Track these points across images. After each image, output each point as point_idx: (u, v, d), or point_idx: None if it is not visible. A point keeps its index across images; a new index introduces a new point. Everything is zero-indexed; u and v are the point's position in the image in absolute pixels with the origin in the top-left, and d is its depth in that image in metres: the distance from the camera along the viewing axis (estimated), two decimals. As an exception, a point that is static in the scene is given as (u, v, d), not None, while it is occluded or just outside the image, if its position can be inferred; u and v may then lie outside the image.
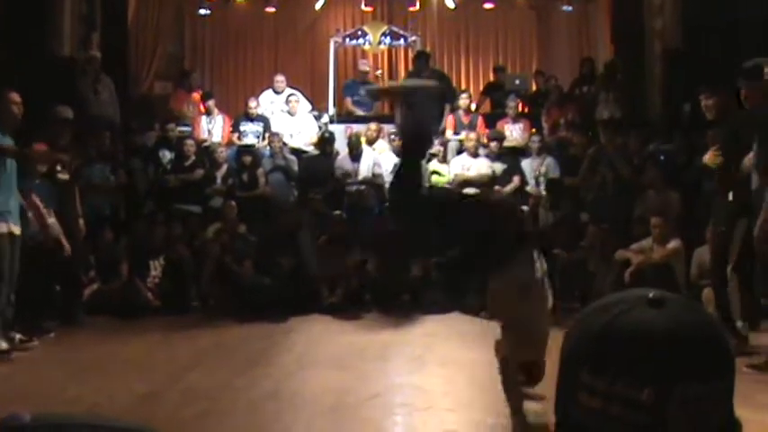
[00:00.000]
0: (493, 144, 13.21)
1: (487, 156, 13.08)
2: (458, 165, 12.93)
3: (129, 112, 13.85)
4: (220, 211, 11.99)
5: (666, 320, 1.12)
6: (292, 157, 13.49)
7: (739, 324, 7.75)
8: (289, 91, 14.77)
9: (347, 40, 17.00)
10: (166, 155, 13.25)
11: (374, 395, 6.56)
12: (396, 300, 11.06)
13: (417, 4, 18.19)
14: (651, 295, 1.15)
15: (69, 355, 8.50)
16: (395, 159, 13.02)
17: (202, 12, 18.42)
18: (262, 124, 14.11)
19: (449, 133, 13.88)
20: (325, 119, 14.87)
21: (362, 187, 12.92)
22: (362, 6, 18.15)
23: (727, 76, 7.98)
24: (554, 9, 18.59)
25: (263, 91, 15.22)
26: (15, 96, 8.43)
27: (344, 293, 11.08)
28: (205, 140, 13.90)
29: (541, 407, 4.58)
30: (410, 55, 16.66)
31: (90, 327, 10.04)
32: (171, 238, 11.57)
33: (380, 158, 13.15)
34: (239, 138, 14.02)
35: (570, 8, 18.11)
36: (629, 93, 13.70)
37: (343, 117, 15.16)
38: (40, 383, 7.27)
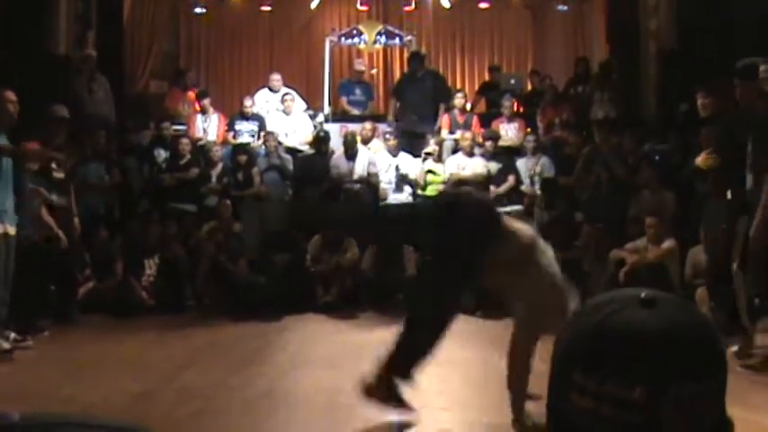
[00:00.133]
0: (488, 143, 13.22)
1: (483, 155, 13.09)
2: (453, 164, 12.94)
3: (124, 111, 13.83)
4: (215, 209, 11.99)
5: (658, 320, 1.12)
6: (287, 156, 13.49)
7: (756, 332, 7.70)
8: (284, 90, 14.78)
9: (342, 39, 17.01)
10: (161, 153, 13.25)
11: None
12: (390, 299, 11.06)
13: (413, 3, 18.21)
14: (643, 295, 1.15)
15: (64, 354, 8.49)
16: (390, 158, 13.04)
17: (198, 10, 18.43)
18: (257, 123, 14.10)
19: (444, 132, 13.89)
20: (321, 118, 14.88)
21: (358, 186, 12.93)
22: (358, 5, 18.17)
23: (723, 76, 7.99)
24: (549, 9, 18.61)
25: (258, 90, 15.22)
26: (11, 95, 8.41)
27: (339, 292, 11.09)
28: (200, 139, 13.89)
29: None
30: (405, 54, 16.66)
31: (85, 325, 10.04)
32: (166, 237, 11.57)
33: (376, 158, 13.16)
34: (234, 137, 14.01)
35: (565, 8, 18.13)
36: (624, 92, 13.70)
37: (339, 116, 15.17)
38: (35, 382, 7.26)
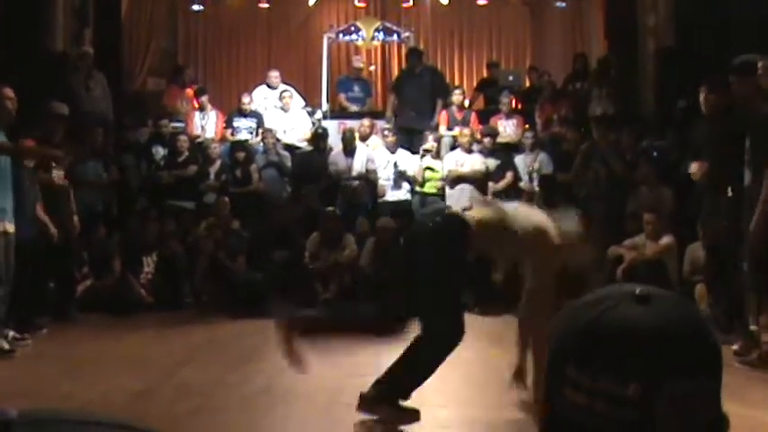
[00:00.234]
0: (486, 140, 13.22)
1: (481, 152, 13.09)
2: (451, 161, 12.93)
3: (122, 109, 13.81)
4: (213, 206, 11.99)
5: (653, 317, 1.11)
6: (286, 153, 13.49)
7: (753, 328, 7.67)
8: (282, 87, 14.77)
9: (340, 35, 17.01)
10: (159, 151, 13.25)
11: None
12: (389, 296, 11.06)
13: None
14: (638, 291, 1.14)
15: (62, 352, 8.48)
16: (388, 155, 13.04)
17: (195, 7, 18.42)
18: (255, 120, 14.10)
19: (442, 129, 13.89)
20: (319, 115, 14.89)
21: (356, 183, 12.93)
22: (356, 2, 18.17)
23: (721, 73, 8.00)
24: (547, 5, 18.60)
25: (256, 86, 15.21)
26: (9, 92, 8.40)
27: (338, 289, 11.09)
28: (198, 136, 13.88)
29: None
30: (403, 51, 16.65)
31: (83, 323, 10.04)
32: (164, 235, 11.58)
33: (374, 154, 13.16)
34: (232, 133, 14.01)
35: (563, 4, 18.13)
36: (622, 89, 13.71)
37: (337, 113, 15.17)
38: (33, 380, 7.26)
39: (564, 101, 14.24)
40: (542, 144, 13.41)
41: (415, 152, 13.28)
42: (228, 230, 11.54)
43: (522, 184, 12.87)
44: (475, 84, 17.16)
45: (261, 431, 5.81)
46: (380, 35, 16.83)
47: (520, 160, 13.11)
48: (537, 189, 12.62)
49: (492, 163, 12.91)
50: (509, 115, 14.24)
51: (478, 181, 12.56)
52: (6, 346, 8.21)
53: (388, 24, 17.07)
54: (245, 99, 14.35)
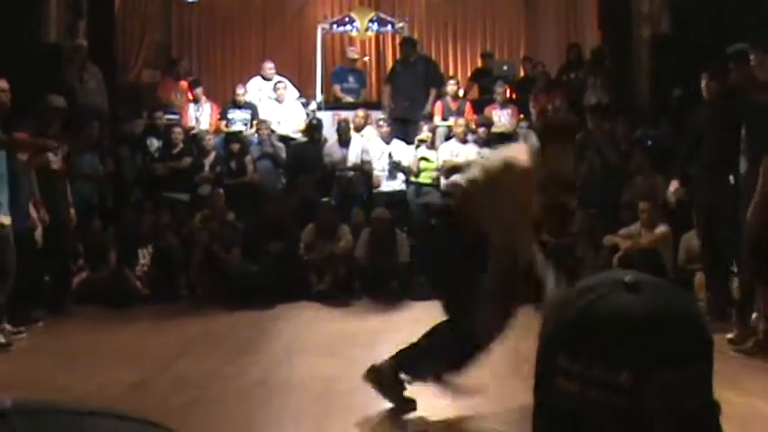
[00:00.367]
0: (481, 130, 13.21)
1: (476, 142, 13.08)
2: (446, 151, 12.94)
3: (116, 101, 13.81)
4: (208, 198, 11.98)
5: (643, 305, 1.11)
6: (280, 145, 13.48)
7: (754, 315, 7.67)
8: (277, 78, 14.76)
9: (334, 26, 16.98)
10: (154, 143, 13.23)
11: (363, 382, 6.56)
12: (384, 286, 11.07)
13: (405, -11, 18.20)
14: (628, 279, 1.14)
15: (58, 345, 8.49)
16: (383, 146, 13.04)
17: (189, -1, 18.39)
18: (249, 111, 14.09)
19: (437, 119, 13.89)
20: (313, 106, 14.88)
21: (351, 174, 12.93)
22: (350, -7, 18.15)
23: (722, 60, 8.01)
24: (541, -5, 18.61)
25: (251, 78, 15.19)
26: (3, 84, 8.38)
27: (333, 280, 11.09)
28: (193, 128, 13.87)
29: None
30: (398, 41, 16.63)
31: (78, 316, 10.04)
32: (159, 227, 11.57)
33: (369, 145, 13.16)
34: (227, 125, 14.00)
35: (557, -6, 18.12)
36: (617, 78, 13.71)
37: (331, 104, 15.16)
38: (29, 373, 7.27)
39: (558, 91, 14.23)
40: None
41: (409, 142, 13.28)
42: (223, 222, 11.54)
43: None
44: (469, 74, 17.16)
45: (257, 423, 5.82)
46: (375, 26, 16.80)
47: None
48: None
49: (487, 153, 12.91)
50: (503, 105, 14.24)
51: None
52: (2, 339, 8.21)
53: (383, 15, 17.05)
54: (240, 90, 14.34)
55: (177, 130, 13.12)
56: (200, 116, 14.18)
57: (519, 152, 5.76)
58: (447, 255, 5.65)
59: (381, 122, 13.43)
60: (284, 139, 13.76)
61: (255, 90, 14.73)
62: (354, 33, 16.99)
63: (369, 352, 7.92)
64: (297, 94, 14.91)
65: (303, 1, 18.43)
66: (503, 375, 6.28)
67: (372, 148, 13.11)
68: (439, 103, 14.10)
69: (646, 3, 13.66)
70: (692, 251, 9.52)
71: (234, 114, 14.11)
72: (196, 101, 14.34)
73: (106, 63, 13.64)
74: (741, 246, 7.41)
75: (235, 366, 7.34)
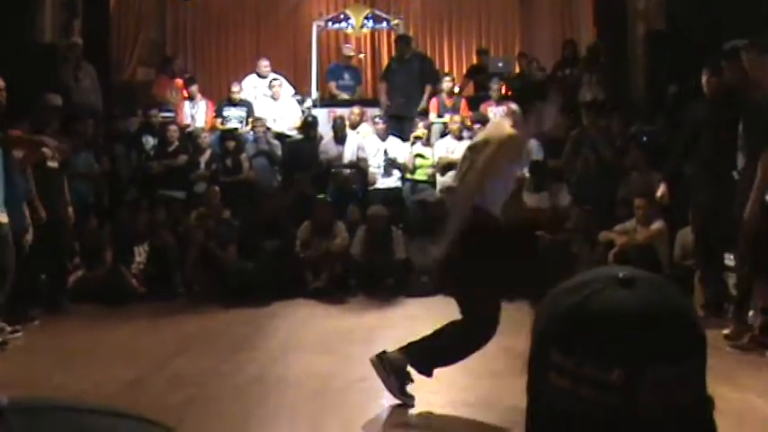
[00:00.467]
0: (476, 127, 13.21)
1: (471, 138, 13.08)
2: (442, 148, 12.94)
3: (111, 99, 13.80)
4: (204, 196, 11.98)
5: (636, 300, 1.11)
6: (276, 142, 13.48)
7: (751, 313, 7.68)
8: (272, 76, 14.76)
9: (330, 23, 16.97)
10: (149, 141, 13.23)
11: (359, 379, 6.56)
12: (380, 284, 11.08)
13: (400, -14, 18.19)
14: (621, 275, 1.14)
15: (54, 343, 8.49)
16: (378, 143, 13.04)
17: (184, -3, 18.37)
18: (245, 109, 14.10)
19: (432, 116, 13.90)
20: (308, 103, 14.87)
21: (347, 171, 12.93)
22: (345, -10, 18.14)
23: (717, 57, 8.01)
24: (536, -9, 18.61)
25: (246, 75, 15.19)
26: (-1, 82, 8.37)
27: (329, 278, 11.08)
28: (188, 126, 13.88)
29: None
30: (393, 38, 16.63)
31: (75, 314, 10.03)
32: (155, 224, 11.56)
33: (364, 142, 13.16)
34: (222, 123, 14.00)
35: (553, -10, 18.12)
36: (612, 75, 13.71)
37: (327, 101, 15.15)
38: (26, 371, 7.26)
39: (553, 87, 14.22)
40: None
41: (405, 139, 13.28)
42: (219, 220, 11.53)
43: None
44: (465, 71, 17.17)
45: (253, 420, 5.82)
46: (370, 23, 16.79)
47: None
48: (527, 175, 12.62)
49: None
50: (499, 102, 14.22)
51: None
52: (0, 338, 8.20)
53: (378, 12, 17.04)
54: (235, 88, 14.35)
55: (172, 127, 13.12)
56: (196, 114, 14.19)
57: (499, 125, 5.88)
58: (460, 255, 5.65)
59: (377, 119, 13.42)
60: (280, 136, 13.76)
61: (251, 87, 14.73)
62: (350, 30, 16.98)
63: (365, 349, 7.91)
64: (292, 91, 14.91)
65: (298, -2, 18.43)
66: (497, 372, 6.28)
67: (368, 145, 13.10)
68: (434, 100, 14.11)
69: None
70: (687, 247, 9.53)
71: (229, 112, 14.11)
72: (191, 98, 14.34)
73: (101, 61, 13.65)
74: (739, 241, 7.42)
75: (231, 364, 7.34)
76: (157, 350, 8.00)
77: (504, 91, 14.69)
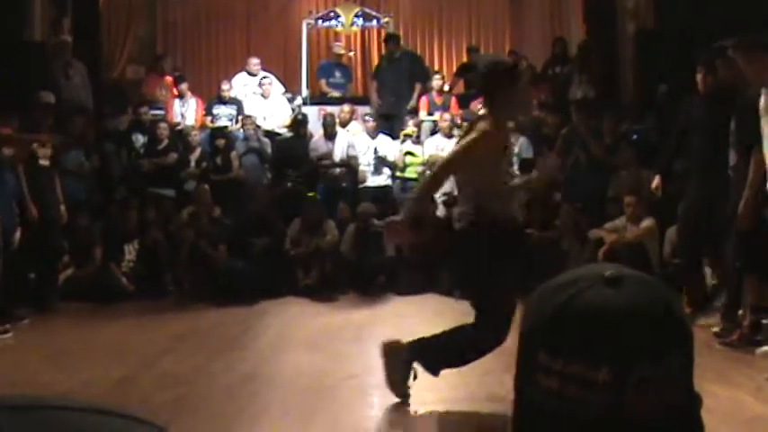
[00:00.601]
0: (466, 125, 13.21)
1: (461, 137, 13.07)
2: (432, 145, 12.94)
3: (101, 97, 13.77)
4: (194, 194, 11.96)
5: (623, 299, 1.11)
6: (266, 140, 13.48)
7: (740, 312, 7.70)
8: (262, 74, 14.76)
9: (320, 21, 16.97)
10: (139, 139, 13.21)
11: (350, 376, 6.57)
12: (370, 281, 11.09)
13: (390, -16, 18.17)
14: (607, 274, 1.14)
15: (44, 341, 8.48)
16: (368, 141, 13.04)
17: (174, -6, 18.34)
18: (235, 107, 14.09)
19: (422, 114, 13.90)
20: (299, 101, 14.87)
21: (337, 170, 12.94)
22: (335, -12, 18.12)
23: (711, 55, 8.03)
24: (526, -11, 18.61)
25: (236, 73, 15.18)
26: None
27: (319, 275, 11.09)
28: (178, 124, 13.85)
29: None
30: (383, 36, 16.62)
31: (64, 312, 10.03)
32: (145, 223, 11.55)
33: (354, 140, 13.16)
34: (212, 121, 13.99)
35: (542, -12, 18.12)
36: (602, 73, 13.73)
37: (317, 99, 15.15)
38: (15, 370, 7.25)
39: (544, 85, 14.25)
40: (522, 128, 13.40)
41: (395, 137, 13.29)
42: (209, 218, 11.52)
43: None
44: (455, 68, 17.16)
45: (244, 418, 5.81)
46: (360, 21, 16.80)
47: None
48: (517, 173, 12.63)
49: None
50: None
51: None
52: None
53: (368, 10, 17.04)
54: (225, 86, 14.34)
55: (162, 125, 13.09)
56: (186, 112, 14.17)
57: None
58: (473, 255, 5.64)
59: (367, 117, 13.43)
60: (270, 134, 13.76)
61: (241, 86, 14.72)
62: (339, 28, 16.98)
63: (355, 346, 7.95)
64: (282, 89, 14.91)
65: (288, -4, 18.40)
66: (488, 369, 6.28)
67: (358, 143, 13.10)
68: (424, 98, 14.12)
69: (631, -3, 13.71)
70: (677, 244, 9.55)
71: (219, 110, 14.10)
72: (181, 96, 14.32)
73: (91, 59, 13.62)
74: (730, 239, 7.44)
75: (221, 362, 7.34)
76: (147, 348, 8.00)
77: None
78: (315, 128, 13.69)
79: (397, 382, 5.76)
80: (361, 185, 12.96)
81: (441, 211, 10.98)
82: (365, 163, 13.00)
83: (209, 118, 14.07)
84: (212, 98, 14.62)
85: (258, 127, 13.59)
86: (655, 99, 12.23)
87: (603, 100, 13.02)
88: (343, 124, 13.58)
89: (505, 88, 5.74)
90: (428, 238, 5.93)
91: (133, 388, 6.50)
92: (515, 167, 12.74)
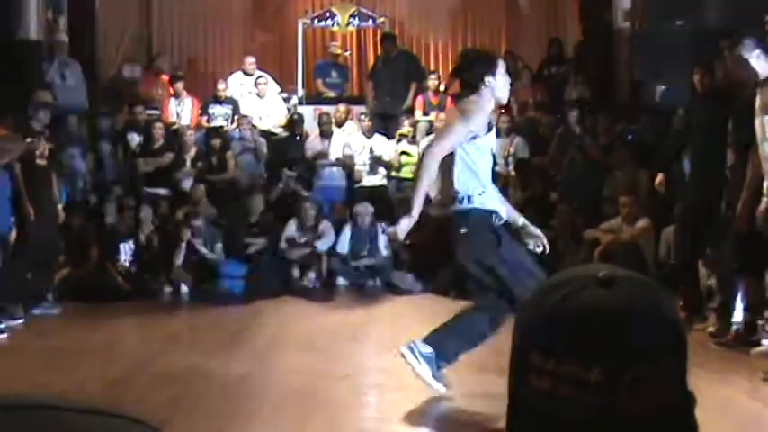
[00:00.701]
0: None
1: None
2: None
3: (97, 97, 13.76)
4: (189, 194, 11.95)
5: (616, 300, 1.11)
6: (262, 140, 13.47)
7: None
8: (258, 73, 14.75)
9: (315, 21, 16.95)
10: (135, 138, 13.19)
11: (345, 376, 6.58)
12: (366, 282, 11.09)
13: (386, -16, 18.15)
14: (600, 274, 1.14)
15: (39, 341, 8.47)
16: (364, 140, 13.04)
17: (170, -6, 18.32)
18: (230, 107, 14.08)
19: (418, 114, 13.90)
20: (294, 101, 14.86)
21: (334, 169, 12.94)
22: (331, -12, 18.11)
23: (709, 56, 8.05)
24: (522, -11, 18.60)
25: (231, 73, 15.17)
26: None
27: (315, 275, 11.08)
28: (174, 123, 13.84)
29: None
30: (379, 36, 16.61)
31: (60, 312, 9.99)
32: (140, 222, 11.53)
33: (350, 140, 13.15)
34: (208, 120, 13.98)
35: (538, -11, 18.12)
36: (598, 73, 13.73)
37: (312, 99, 15.14)
38: (9, 369, 7.24)
39: (539, 85, 14.26)
40: (518, 128, 13.42)
41: (390, 137, 13.29)
42: (205, 218, 11.51)
43: (497, 168, 12.87)
44: (450, 68, 17.14)
45: (240, 418, 5.81)
46: (356, 21, 16.79)
47: (496, 144, 13.11)
48: (513, 173, 12.64)
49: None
50: (484, 100, 14.22)
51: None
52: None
53: (364, 10, 17.02)
54: (221, 86, 14.33)
55: (158, 125, 13.09)
56: (181, 111, 14.15)
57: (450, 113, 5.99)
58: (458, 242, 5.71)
59: (363, 117, 13.43)
60: (265, 134, 13.75)
61: (236, 85, 14.71)
62: (335, 28, 16.96)
63: (351, 346, 7.95)
64: (278, 89, 14.90)
65: (284, -4, 18.39)
66: (483, 368, 6.29)
67: (354, 142, 13.10)
68: (420, 98, 14.12)
69: (627, -2, 13.72)
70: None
71: (215, 110, 14.09)
72: (177, 96, 14.30)
73: (86, 59, 13.61)
74: (727, 240, 7.45)
75: (217, 362, 7.33)
76: (142, 348, 8.01)
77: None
78: (310, 128, 13.68)
79: (428, 376, 5.75)
80: (357, 185, 12.96)
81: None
82: (361, 163, 13.00)
83: (204, 118, 14.06)
84: (208, 98, 14.60)
85: (254, 127, 13.58)
86: (650, 99, 12.24)
87: (599, 100, 13.03)
88: (339, 124, 13.58)
89: (487, 76, 6.06)
90: (426, 238, 5.96)
91: (128, 388, 6.49)
92: (511, 167, 12.77)
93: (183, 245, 11.17)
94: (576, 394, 1.09)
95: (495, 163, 12.58)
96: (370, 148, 13.00)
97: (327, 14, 16.79)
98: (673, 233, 9.04)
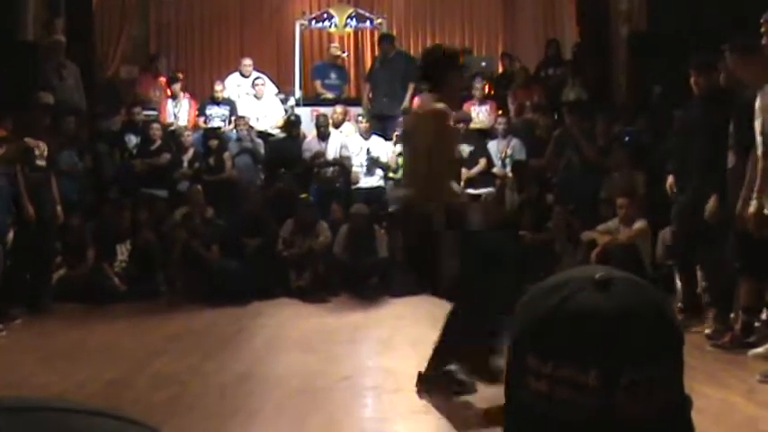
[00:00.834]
0: (459, 126, 13.22)
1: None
2: (425, 147, 12.92)
3: (94, 97, 13.76)
4: (187, 195, 11.95)
5: (613, 302, 1.11)
6: (259, 141, 13.47)
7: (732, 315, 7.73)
8: (255, 74, 14.76)
9: (313, 22, 16.96)
10: (132, 139, 13.20)
11: (343, 377, 6.58)
12: (363, 282, 11.09)
13: (383, -15, 18.18)
14: (598, 277, 1.14)
15: (37, 342, 8.47)
16: (361, 142, 13.04)
17: (167, -5, 18.33)
18: (228, 108, 14.08)
19: (415, 115, 13.89)
20: (292, 102, 14.87)
21: (330, 170, 12.93)
22: (328, -11, 18.13)
23: (704, 57, 8.05)
24: (520, -9, 18.63)
25: (229, 74, 15.18)
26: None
27: (312, 276, 11.09)
28: (171, 124, 13.84)
29: None
30: (376, 37, 16.63)
31: (57, 313, 10.00)
32: (137, 223, 11.54)
33: (347, 141, 13.16)
34: (205, 121, 13.98)
35: (535, -10, 18.15)
36: (595, 75, 13.75)
37: (310, 100, 15.14)
38: (7, 371, 7.24)
39: (536, 87, 14.28)
40: (515, 130, 13.43)
41: (388, 138, 13.29)
42: (202, 219, 11.51)
43: (495, 170, 12.89)
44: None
45: (238, 419, 5.82)
46: (353, 22, 16.79)
47: (493, 146, 13.13)
48: (510, 175, 12.65)
49: (465, 149, 12.92)
50: (482, 101, 14.25)
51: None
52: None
53: (361, 11, 17.03)
54: (218, 87, 14.34)
55: (155, 126, 13.09)
56: (179, 112, 14.15)
57: (426, 102, 6.03)
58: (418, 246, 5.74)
59: (360, 118, 13.44)
60: (263, 135, 13.76)
61: (234, 86, 14.72)
62: (333, 29, 16.98)
63: (349, 347, 7.96)
64: (275, 90, 14.90)
65: (281, -3, 18.40)
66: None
67: (351, 144, 13.10)
68: (417, 99, 14.11)
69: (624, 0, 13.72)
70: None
71: (212, 111, 14.09)
72: (174, 97, 14.31)
73: (84, 59, 13.60)
74: (726, 241, 7.45)
75: (215, 363, 7.34)
76: (140, 349, 7.99)
77: (487, 90, 14.73)
78: (308, 129, 13.69)
79: (452, 387, 5.80)
80: (354, 186, 12.96)
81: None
82: (358, 164, 13.00)
83: (202, 118, 14.06)
84: (205, 99, 14.62)
85: (251, 128, 13.58)
86: (648, 101, 12.25)
87: (596, 102, 13.04)
88: (337, 125, 13.58)
89: (451, 71, 6.12)
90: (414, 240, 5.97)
91: (126, 388, 6.50)
92: (508, 169, 12.78)
93: (180, 245, 11.17)
94: (573, 397, 1.09)
95: (492, 164, 12.71)
96: (368, 150, 13.00)
97: (325, 16, 16.81)
98: (670, 233, 9.04)
